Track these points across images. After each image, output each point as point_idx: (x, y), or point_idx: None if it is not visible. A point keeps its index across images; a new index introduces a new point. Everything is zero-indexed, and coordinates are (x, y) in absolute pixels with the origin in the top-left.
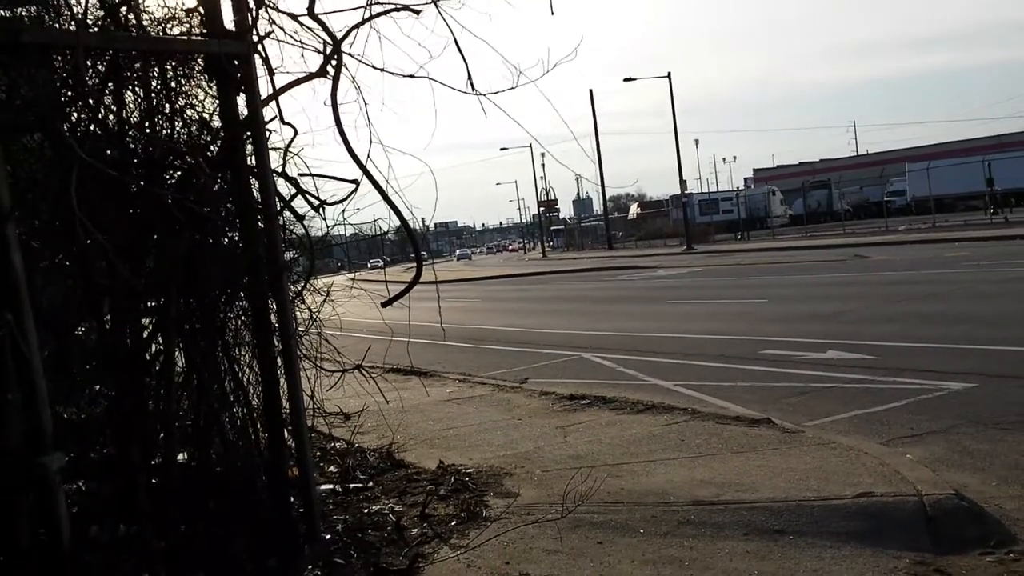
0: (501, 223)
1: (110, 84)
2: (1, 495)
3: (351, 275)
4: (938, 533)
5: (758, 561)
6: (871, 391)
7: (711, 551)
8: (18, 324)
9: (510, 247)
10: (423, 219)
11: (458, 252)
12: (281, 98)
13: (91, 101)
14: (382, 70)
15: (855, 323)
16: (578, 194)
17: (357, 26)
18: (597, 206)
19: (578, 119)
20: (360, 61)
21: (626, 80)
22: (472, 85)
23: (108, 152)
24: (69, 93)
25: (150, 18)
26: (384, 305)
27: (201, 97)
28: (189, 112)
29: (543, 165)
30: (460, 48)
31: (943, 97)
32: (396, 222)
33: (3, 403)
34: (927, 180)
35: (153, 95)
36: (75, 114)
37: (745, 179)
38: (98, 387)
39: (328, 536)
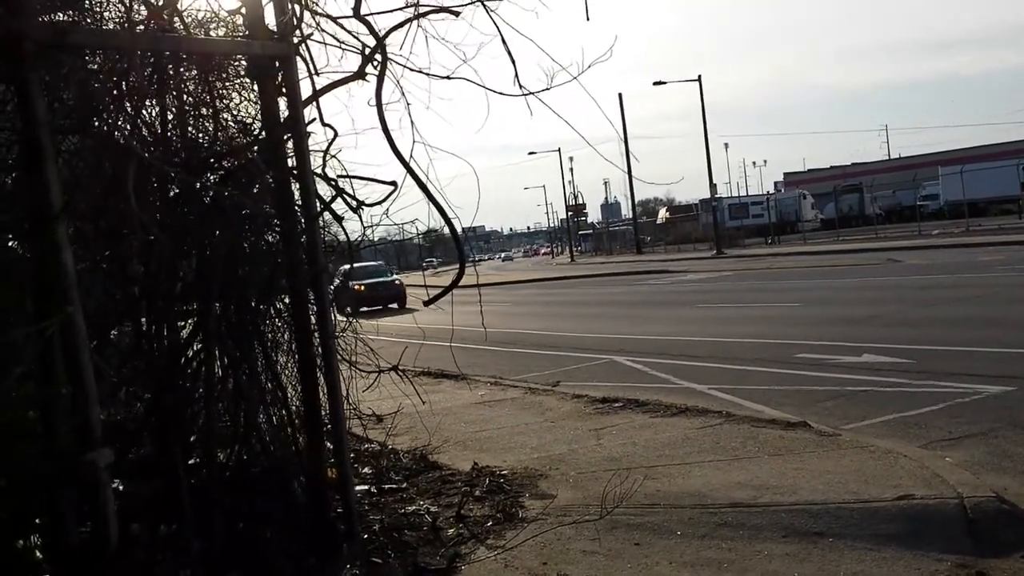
0: (528, 227)
1: (154, 85)
2: (50, 492)
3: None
4: (979, 536)
5: (797, 563)
6: (907, 394)
7: (749, 553)
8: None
9: (542, 251)
10: (458, 219)
11: (502, 255)
12: (320, 99)
13: (136, 102)
14: (420, 71)
15: (889, 327)
16: (606, 198)
17: (401, 24)
18: (625, 210)
19: (607, 124)
20: (404, 67)
21: (656, 84)
22: (519, 84)
23: (146, 155)
24: (114, 92)
25: (192, 20)
26: (426, 304)
27: (240, 99)
28: (228, 114)
29: (571, 169)
30: (508, 48)
31: (973, 100)
32: (434, 223)
33: (54, 399)
34: (960, 184)
35: (193, 96)
36: (111, 116)
37: (775, 183)
38: (133, 388)
39: (365, 536)
